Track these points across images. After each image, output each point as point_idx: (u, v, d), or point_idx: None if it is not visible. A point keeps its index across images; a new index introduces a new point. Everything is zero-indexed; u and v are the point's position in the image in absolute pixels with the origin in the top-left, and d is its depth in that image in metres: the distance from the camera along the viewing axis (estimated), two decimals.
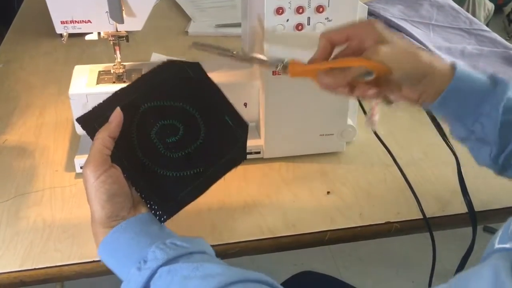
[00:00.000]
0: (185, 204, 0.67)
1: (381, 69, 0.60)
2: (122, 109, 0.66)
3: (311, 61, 0.66)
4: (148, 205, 0.65)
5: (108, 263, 0.61)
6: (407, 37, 1.15)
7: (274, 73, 0.80)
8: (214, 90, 0.71)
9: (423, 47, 0.62)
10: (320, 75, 0.64)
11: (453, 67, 0.63)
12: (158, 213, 0.65)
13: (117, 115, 0.66)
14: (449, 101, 0.62)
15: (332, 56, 0.66)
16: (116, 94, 0.68)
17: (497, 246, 0.45)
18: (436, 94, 0.62)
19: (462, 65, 0.65)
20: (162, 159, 0.67)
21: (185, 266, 0.56)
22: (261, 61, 0.69)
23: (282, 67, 0.67)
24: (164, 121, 0.69)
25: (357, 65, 0.61)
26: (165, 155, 0.68)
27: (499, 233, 0.46)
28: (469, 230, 0.76)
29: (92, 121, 0.66)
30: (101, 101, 0.67)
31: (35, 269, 0.68)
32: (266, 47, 0.78)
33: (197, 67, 0.71)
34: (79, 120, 0.66)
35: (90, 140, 0.65)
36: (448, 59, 1.08)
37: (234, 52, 0.70)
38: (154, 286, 0.56)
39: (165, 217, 0.65)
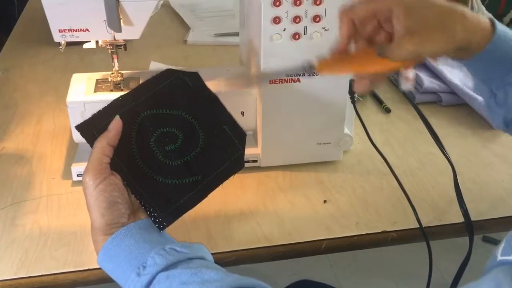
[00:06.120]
0: (184, 211, 0.67)
1: (412, 63, 0.57)
2: (121, 117, 0.67)
3: (336, 51, 0.61)
4: (148, 212, 0.65)
5: (108, 269, 0.61)
6: None
7: (271, 81, 0.80)
8: (212, 99, 0.72)
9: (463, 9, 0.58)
10: (356, 85, 0.61)
11: (492, 29, 0.58)
12: (157, 220, 0.65)
13: (116, 123, 0.66)
14: (480, 63, 0.59)
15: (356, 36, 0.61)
16: (115, 102, 0.68)
17: (500, 258, 0.44)
18: (469, 55, 0.59)
19: (501, 27, 0.59)
20: (161, 167, 0.67)
21: (184, 271, 0.56)
22: (291, 70, 0.67)
23: (308, 68, 0.64)
24: (163, 129, 0.69)
25: (386, 69, 0.58)
26: (164, 162, 0.68)
27: (502, 245, 0.45)
28: (468, 239, 0.76)
29: (91, 128, 0.66)
30: (100, 109, 0.68)
31: (30, 277, 0.68)
32: (263, 56, 0.78)
33: (195, 76, 0.72)
34: (78, 127, 0.67)
35: (88, 148, 0.65)
36: (449, 72, 1.08)
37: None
38: None
39: (164, 224, 0.65)
